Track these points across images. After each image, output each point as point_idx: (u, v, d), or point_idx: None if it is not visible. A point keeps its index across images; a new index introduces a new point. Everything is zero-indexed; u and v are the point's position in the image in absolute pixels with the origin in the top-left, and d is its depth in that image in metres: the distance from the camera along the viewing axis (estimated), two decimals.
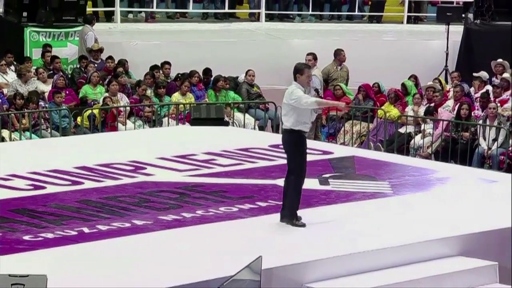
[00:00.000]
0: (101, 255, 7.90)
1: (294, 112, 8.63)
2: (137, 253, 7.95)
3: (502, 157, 13.42)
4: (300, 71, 8.68)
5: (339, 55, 16.43)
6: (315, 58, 14.30)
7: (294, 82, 8.71)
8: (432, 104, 14.70)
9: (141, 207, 9.25)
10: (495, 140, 13.59)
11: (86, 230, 8.49)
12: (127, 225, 8.65)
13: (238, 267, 7.09)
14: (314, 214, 9.09)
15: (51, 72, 15.36)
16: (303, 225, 8.66)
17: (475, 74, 15.88)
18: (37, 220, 8.73)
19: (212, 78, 15.53)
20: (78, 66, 15.87)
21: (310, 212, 9.10)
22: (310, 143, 11.87)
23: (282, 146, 9.01)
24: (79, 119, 13.80)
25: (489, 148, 13.57)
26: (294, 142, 8.72)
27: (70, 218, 8.83)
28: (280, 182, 9.81)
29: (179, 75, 15.67)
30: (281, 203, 8.87)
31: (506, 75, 15.86)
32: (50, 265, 7.57)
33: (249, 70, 15.79)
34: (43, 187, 9.88)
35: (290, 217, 8.70)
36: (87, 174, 10.42)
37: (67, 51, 16.49)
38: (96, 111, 13.82)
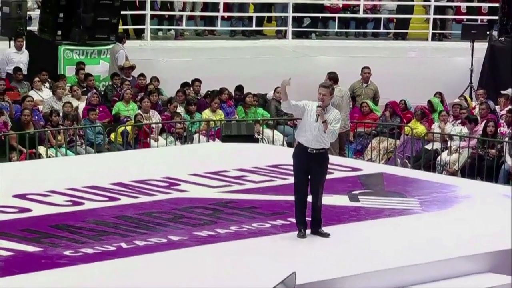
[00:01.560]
0: (140, 270, 8.14)
1: (300, 123, 9.08)
2: (175, 268, 8.19)
3: None
4: None
5: (361, 73, 16.62)
6: (330, 78, 14.17)
7: None
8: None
9: (176, 223, 9.48)
10: None
11: (124, 245, 8.73)
12: (164, 240, 8.89)
13: (273, 283, 7.33)
14: (345, 230, 9.30)
15: (85, 89, 15.71)
16: (301, 237, 8.93)
17: (502, 92, 16.05)
18: (77, 236, 8.98)
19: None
20: (110, 83, 16.20)
21: (341, 229, 9.32)
22: (339, 160, 12.19)
23: None
24: (112, 135, 14.12)
25: None
26: (293, 153, 9.14)
27: (108, 233, 9.08)
28: (310, 198, 10.06)
29: (209, 92, 15.97)
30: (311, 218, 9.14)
31: None
32: (91, 279, 7.84)
33: (277, 87, 16.04)
34: (82, 203, 10.13)
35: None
36: (123, 190, 10.66)
37: (100, 68, 16.83)
38: (129, 128, 14.13)
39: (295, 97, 16.98)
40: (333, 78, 14.11)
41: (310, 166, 8.94)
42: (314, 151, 8.93)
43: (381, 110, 15.96)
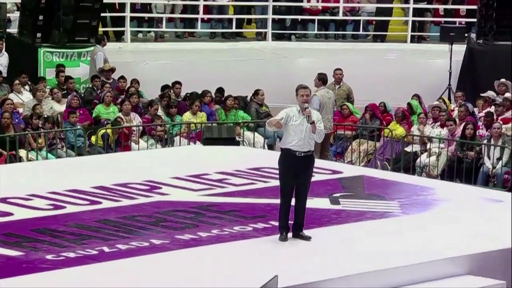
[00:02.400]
0: (122, 274, 8.17)
1: (284, 130, 9.02)
2: (157, 272, 8.22)
3: (507, 176, 13.71)
4: (296, 92, 9.08)
5: (334, 74, 16.68)
6: (319, 78, 14.47)
7: None
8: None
9: (158, 227, 9.52)
10: (499, 159, 13.89)
11: (106, 249, 8.76)
12: (146, 244, 8.92)
13: (255, 286, 7.38)
14: (326, 233, 9.36)
15: (65, 92, 15.68)
16: (282, 240, 8.99)
17: (482, 94, 16.17)
18: (59, 240, 9.00)
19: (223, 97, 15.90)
20: (90, 85, 16.18)
21: (322, 232, 9.38)
22: (319, 163, 12.24)
23: None
24: (93, 138, 14.11)
25: (494, 167, 13.87)
26: (279, 160, 9.11)
27: (90, 237, 9.10)
28: (292, 201, 10.11)
29: (188, 94, 15.99)
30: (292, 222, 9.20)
31: (508, 94, 16.19)
32: (73, 284, 7.86)
33: (259, 90, 16.09)
34: (63, 207, 10.14)
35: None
36: (104, 194, 10.69)
37: (80, 71, 16.79)
38: (109, 131, 14.14)
39: (277, 99, 17.23)
40: (322, 79, 14.41)
41: (297, 170, 9.00)
42: (303, 154, 8.99)
43: (361, 113, 16.03)
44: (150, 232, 9.31)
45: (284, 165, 9.05)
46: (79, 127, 14.20)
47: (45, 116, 14.36)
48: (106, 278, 8.04)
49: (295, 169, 8.98)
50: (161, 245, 8.91)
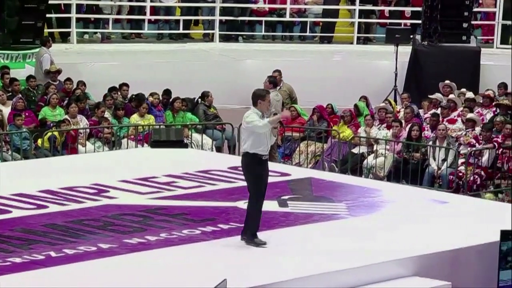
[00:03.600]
0: (70, 279, 8.11)
1: (251, 135, 9.02)
2: (105, 276, 8.18)
3: (451, 177, 13.92)
4: (262, 97, 9.07)
5: None
6: (270, 81, 14.81)
7: (252, 108, 9.06)
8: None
9: (106, 231, 9.48)
10: (444, 160, 14.09)
11: (53, 254, 8.69)
12: (93, 248, 8.88)
13: None
14: (274, 236, 9.39)
15: (10, 94, 15.48)
16: (264, 243, 8.98)
17: (430, 96, 16.37)
18: (5, 245, 8.91)
19: (171, 99, 15.83)
20: (26, 86, 15.96)
21: (271, 234, 9.41)
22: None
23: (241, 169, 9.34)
24: (39, 141, 13.96)
25: (439, 168, 14.07)
26: (247, 164, 9.12)
27: (37, 242, 9.02)
28: (241, 204, 10.17)
29: (134, 96, 15.90)
30: (243, 224, 9.20)
31: (452, 96, 16.43)
32: None
33: (208, 92, 16.08)
34: (9, 211, 10.04)
35: (251, 236, 9.04)
36: (51, 198, 10.60)
37: (25, 72, 16.56)
38: (56, 133, 14.00)
39: (224, 100, 17.24)
40: (273, 82, 14.67)
41: (266, 173, 9.14)
42: (267, 158, 9.15)
43: (308, 114, 16.12)
44: (97, 236, 9.27)
45: (258, 169, 9.07)
46: (24, 129, 14.03)
47: None
48: (53, 283, 7.98)
49: (265, 173, 9.10)
50: (109, 249, 8.88)
